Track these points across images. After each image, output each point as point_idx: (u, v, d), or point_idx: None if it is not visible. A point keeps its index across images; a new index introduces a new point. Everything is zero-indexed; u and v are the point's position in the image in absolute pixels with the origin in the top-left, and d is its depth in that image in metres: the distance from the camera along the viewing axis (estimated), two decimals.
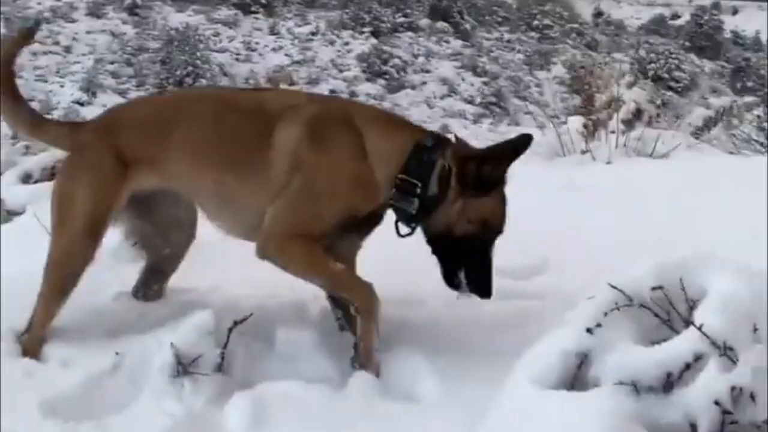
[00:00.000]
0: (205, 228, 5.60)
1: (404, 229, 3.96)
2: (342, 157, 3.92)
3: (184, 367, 3.48)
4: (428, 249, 3.97)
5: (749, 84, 26.67)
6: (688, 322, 2.65)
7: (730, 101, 24.18)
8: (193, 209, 4.29)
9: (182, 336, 3.58)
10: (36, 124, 4.28)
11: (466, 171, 3.82)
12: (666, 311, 2.77)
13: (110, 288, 4.63)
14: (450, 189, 3.84)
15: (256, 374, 3.64)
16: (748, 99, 24.78)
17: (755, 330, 2.51)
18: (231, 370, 3.61)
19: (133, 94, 25.20)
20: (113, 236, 5.08)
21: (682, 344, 2.56)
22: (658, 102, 19.64)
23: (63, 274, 4.04)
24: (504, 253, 4.41)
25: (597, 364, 2.69)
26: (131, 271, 4.85)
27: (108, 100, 24.13)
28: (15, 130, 4.46)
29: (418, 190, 3.84)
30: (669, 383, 2.52)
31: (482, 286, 3.88)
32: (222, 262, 5.00)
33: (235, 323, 3.63)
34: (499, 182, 3.89)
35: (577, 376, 2.71)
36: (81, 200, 4.01)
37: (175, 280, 4.72)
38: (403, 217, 3.93)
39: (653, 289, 2.77)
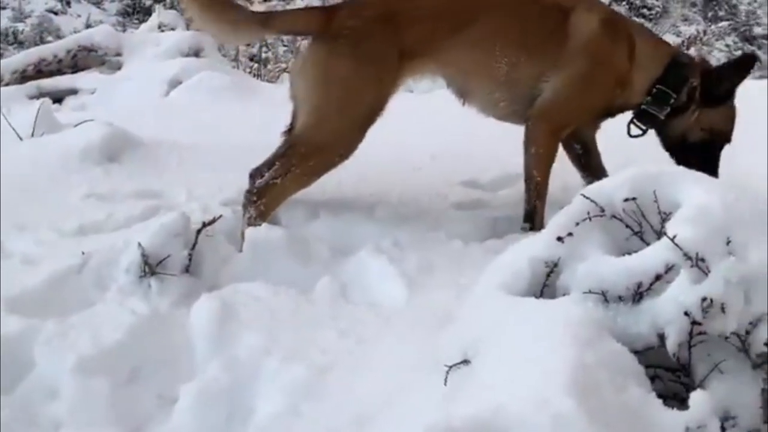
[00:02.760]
0: (171, 131, 5.58)
1: (636, 131, 4.44)
2: (621, 55, 4.31)
3: (150, 267, 3.45)
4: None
5: (720, 13, 26.48)
6: (659, 234, 2.64)
7: (701, 29, 24.13)
8: None
9: (150, 237, 3.54)
10: (267, 22, 4.25)
11: (705, 85, 4.30)
12: (638, 223, 2.75)
13: (79, 189, 4.60)
14: (693, 102, 4.32)
15: (224, 276, 3.62)
16: (720, 25, 24.70)
17: (728, 242, 2.49)
18: (199, 272, 3.59)
19: (108, 5, 24.62)
20: (81, 138, 5.06)
21: (654, 254, 2.54)
22: None
23: (325, 160, 4.09)
24: (474, 167, 4.49)
25: (567, 273, 2.69)
26: (99, 172, 4.83)
27: (82, 10, 23.65)
28: (232, 37, 4.36)
29: (672, 101, 4.31)
30: (639, 293, 2.51)
31: None
32: (193, 166, 4.98)
33: (204, 225, 3.61)
34: (730, 96, 4.36)
35: (546, 285, 2.71)
36: (364, 90, 4.11)
37: (146, 183, 4.70)
38: (646, 120, 4.40)
39: (626, 200, 2.75)
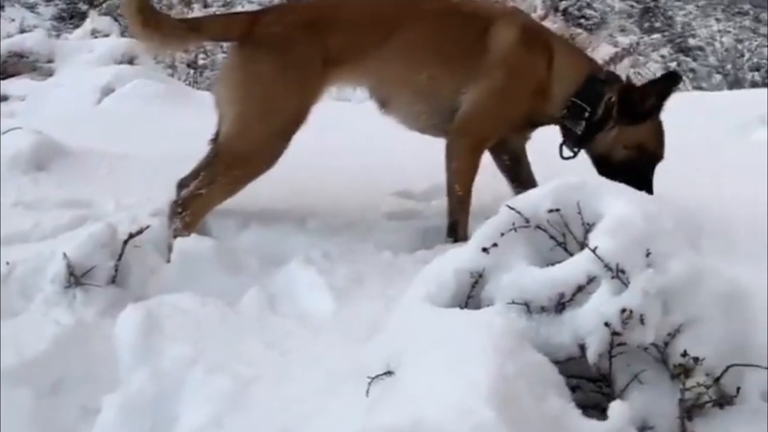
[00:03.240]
0: (102, 139, 5.53)
1: (567, 152, 4.43)
2: (538, 67, 4.32)
3: (76, 278, 3.41)
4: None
5: (657, 24, 26.85)
6: (582, 245, 2.67)
7: (637, 40, 24.49)
8: None
9: (76, 247, 3.50)
10: (193, 28, 4.22)
11: (624, 101, 4.25)
12: (562, 234, 2.78)
13: (6, 198, 4.54)
14: (611, 118, 4.27)
15: (151, 287, 3.58)
16: (654, 37, 25.10)
17: (648, 254, 2.52)
18: (125, 283, 3.54)
19: (42, 9, 24.30)
20: (9, 146, 4.99)
21: (576, 266, 2.58)
22: (568, 37, 19.77)
23: (249, 169, 4.05)
24: (407, 177, 4.50)
25: (491, 284, 2.71)
26: (27, 181, 4.77)
27: (15, 14, 23.32)
28: (163, 46, 4.27)
29: (586, 114, 4.29)
30: (561, 304, 2.55)
31: None
32: (123, 176, 4.94)
33: (131, 235, 3.57)
34: (652, 113, 4.28)
35: (470, 296, 2.72)
36: (286, 98, 4.08)
37: (74, 192, 4.65)
38: (571, 137, 4.39)
39: (550, 211, 2.78)
